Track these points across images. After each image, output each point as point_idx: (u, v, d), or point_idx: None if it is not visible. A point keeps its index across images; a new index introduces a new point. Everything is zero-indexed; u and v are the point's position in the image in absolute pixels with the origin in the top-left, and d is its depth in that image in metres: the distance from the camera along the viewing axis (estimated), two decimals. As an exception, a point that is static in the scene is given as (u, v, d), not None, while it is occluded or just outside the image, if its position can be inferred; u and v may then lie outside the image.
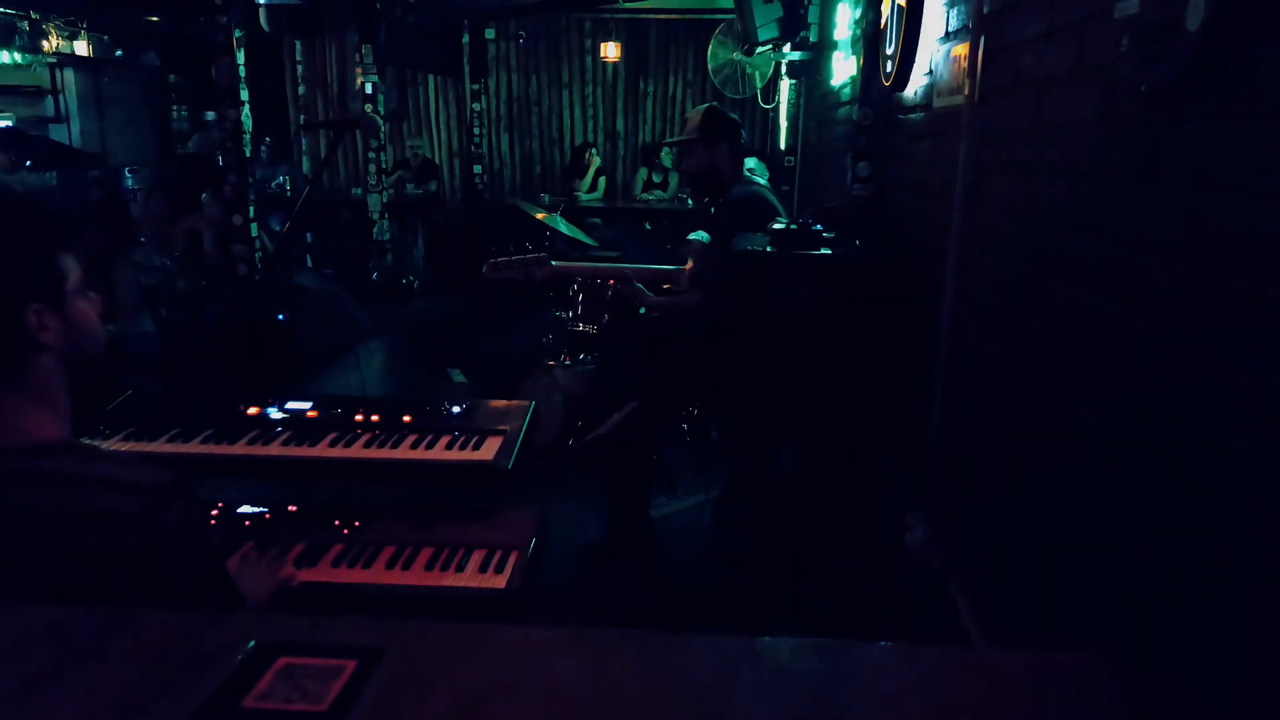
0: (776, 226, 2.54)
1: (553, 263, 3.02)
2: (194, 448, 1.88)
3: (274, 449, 1.87)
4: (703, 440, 3.80)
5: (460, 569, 1.65)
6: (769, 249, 2.44)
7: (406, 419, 2.00)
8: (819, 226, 2.54)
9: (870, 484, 2.54)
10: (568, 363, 4.06)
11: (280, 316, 3.02)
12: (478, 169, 7.82)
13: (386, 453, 1.87)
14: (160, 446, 1.88)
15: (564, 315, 4.08)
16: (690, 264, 3.04)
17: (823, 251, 2.43)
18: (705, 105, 3.08)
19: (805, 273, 2.38)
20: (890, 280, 2.41)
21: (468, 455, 1.86)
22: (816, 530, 2.50)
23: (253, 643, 0.78)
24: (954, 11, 2.22)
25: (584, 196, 7.66)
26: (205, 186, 4.52)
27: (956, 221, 2.01)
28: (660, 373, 3.00)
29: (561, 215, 4.82)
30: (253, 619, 0.93)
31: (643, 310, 3.30)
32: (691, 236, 3.09)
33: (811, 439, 2.55)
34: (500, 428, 1.97)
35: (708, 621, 2.46)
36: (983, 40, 1.92)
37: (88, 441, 1.82)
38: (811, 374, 2.41)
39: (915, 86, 2.56)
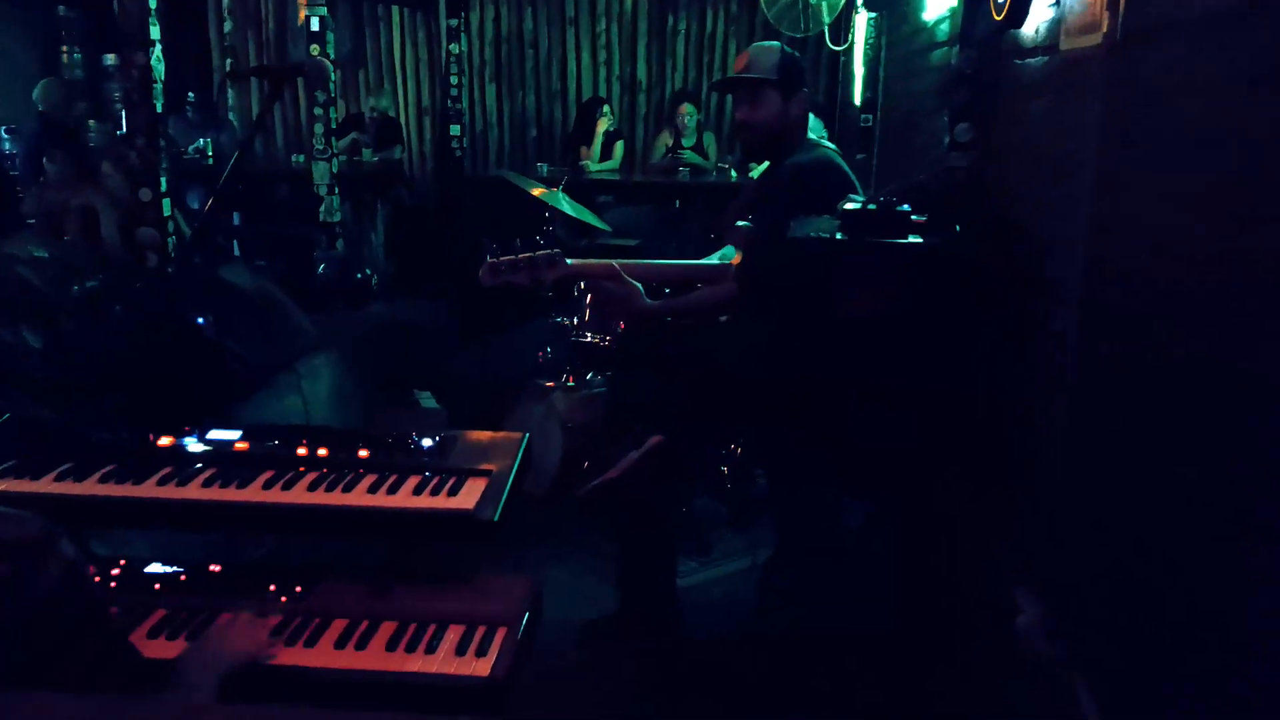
0: (849, 206, 2.54)
1: (568, 261, 3.03)
2: (91, 488, 1.92)
3: (192, 491, 1.92)
4: (746, 489, 3.80)
5: (431, 650, 1.67)
6: (838, 235, 2.45)
7: (363, 453, 2.04)
8: (906, 207, 2.54)
9: (964, 550, 2.54)
10: (570, 384, 4.08)
11: (200, 321, 3.08)
12: (455, 130, 7.91)
13: (337, 497, 1.90)
14: (47, 486, 1.93)
15: (566, 322, 4.11)
16: (739, 258, 3.06)
17: (910, 240, 2.44)
18: (776, 44, 3.08)
19: (885, 269, 2.40)
20: (997, 281, 2.42)
21: (442, 502, 1.89)
22: (893, 608, 2.50)
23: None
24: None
25: (594, 167, 7.71)
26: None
27: (1087, 205, 2.02)
28: (691, 399, 3.01)
29: (564, 191, 4.87)
30: (166, 708, 0.95)
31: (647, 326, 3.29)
32: (744, 223, 3.10)
33: (887, 490, 2.55)
34: (483, 467, 2.01)
35: (749, 705, 2.47)
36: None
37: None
38: (889, 405, 2.42)
39: (1036, 21, 2.56)
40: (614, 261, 3.11)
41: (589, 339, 3.89)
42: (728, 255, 3.25)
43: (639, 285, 3.04)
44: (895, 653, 2.47)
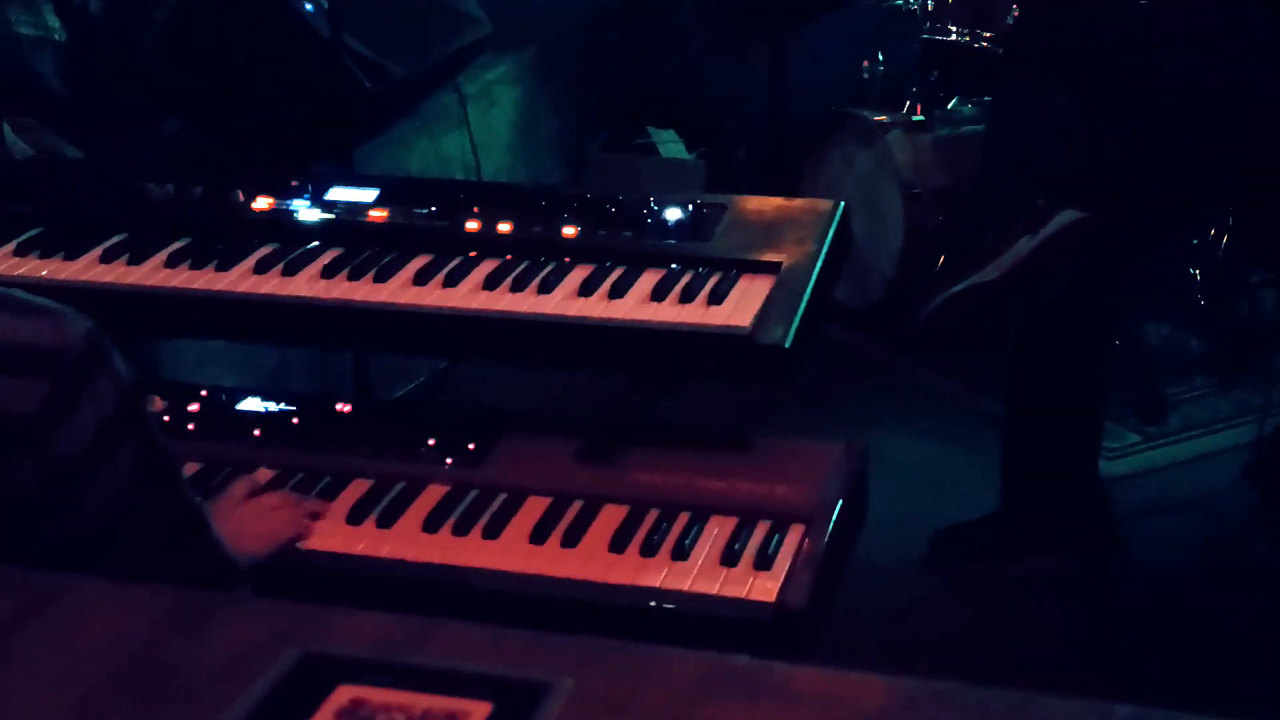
0: None
1: None
2: (153, 274, 2.07)
3: (305, 284, 2.04)
4: (1236, 311, 3.70)
5: (681, 554, 1.75)
6: None
7: (569, 231, 2.11)
8: None
9: None
10: (918, 119, 4.05)
11: (308, 7, 3.19)
12: None
13: (529, 302, 1.98)
14: (89, 270, 2.09)
15: (912, 6, 4.03)
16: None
17: None
18: None
19: None
20: None
21: (697, 315, 1.93)
22: None
23: (296, 653, 0.89)
24: None
25: None
26: None
27: None
28: (1142, 146, 2.92)
29: None
30: (288, 609, 1.05)
31: None
32: None
33: None
34: (767, 258, 2.03)
35: (1212, 688, 2.52)
36: None
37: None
38: None
39: None
40: None
41: (954, 35, 3.81)
42: None
43: None
44: None
